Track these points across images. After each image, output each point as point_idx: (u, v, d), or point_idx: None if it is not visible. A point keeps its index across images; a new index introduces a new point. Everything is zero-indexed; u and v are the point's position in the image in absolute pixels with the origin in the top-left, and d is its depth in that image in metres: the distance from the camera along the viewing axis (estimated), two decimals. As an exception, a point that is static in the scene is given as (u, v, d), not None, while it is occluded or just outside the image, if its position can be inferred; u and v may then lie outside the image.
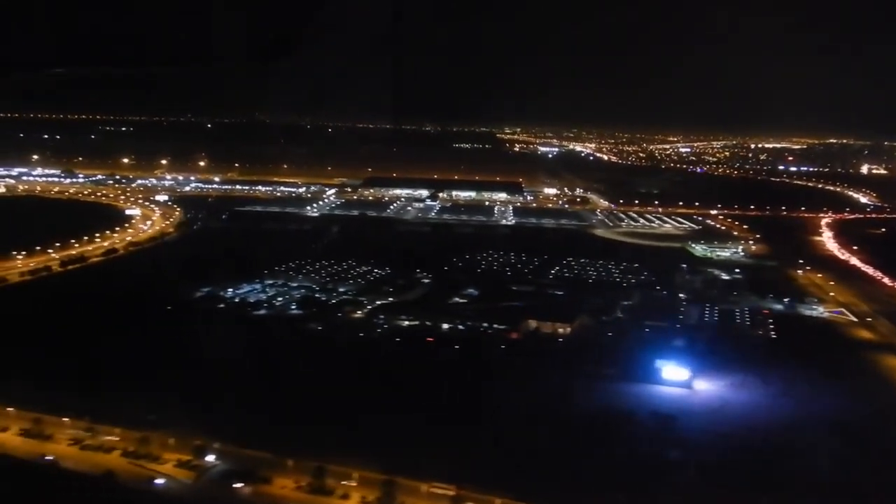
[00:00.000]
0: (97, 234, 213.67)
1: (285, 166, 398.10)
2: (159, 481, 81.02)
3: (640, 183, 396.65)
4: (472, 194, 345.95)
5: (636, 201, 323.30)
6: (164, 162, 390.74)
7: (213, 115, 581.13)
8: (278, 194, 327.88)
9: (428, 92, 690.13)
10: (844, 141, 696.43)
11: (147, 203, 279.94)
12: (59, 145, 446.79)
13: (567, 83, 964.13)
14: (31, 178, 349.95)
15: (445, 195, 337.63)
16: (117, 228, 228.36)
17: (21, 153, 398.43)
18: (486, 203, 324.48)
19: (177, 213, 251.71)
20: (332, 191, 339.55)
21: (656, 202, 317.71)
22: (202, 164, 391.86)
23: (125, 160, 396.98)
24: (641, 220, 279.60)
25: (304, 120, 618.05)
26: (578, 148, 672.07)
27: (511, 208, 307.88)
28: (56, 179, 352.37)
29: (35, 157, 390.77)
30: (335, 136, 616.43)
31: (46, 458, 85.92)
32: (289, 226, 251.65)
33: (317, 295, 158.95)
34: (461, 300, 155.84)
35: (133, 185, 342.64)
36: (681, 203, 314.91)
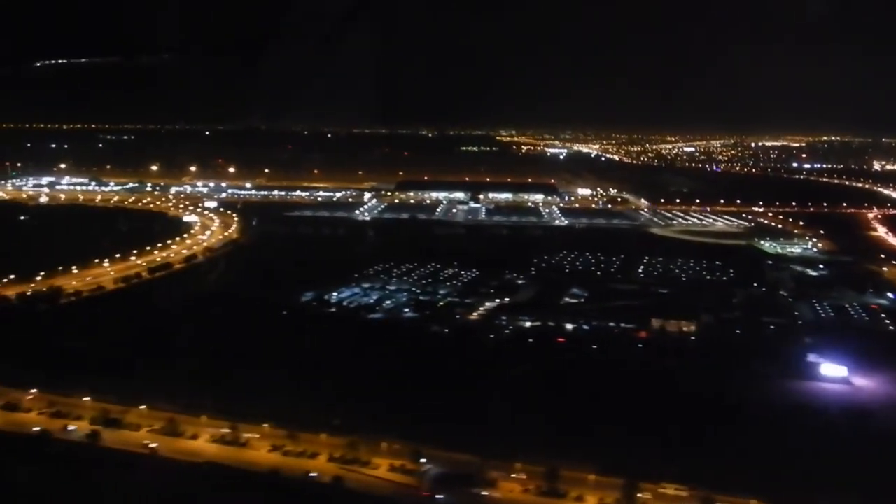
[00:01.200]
0: (168, 241, 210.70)
1: (315, 171, 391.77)
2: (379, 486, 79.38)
3: (669, 182, 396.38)
4: (509, 196, 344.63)
5: (677, 200, 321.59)
6: (192, 169, 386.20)
7: (206, 122, 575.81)
8: (319, 199, 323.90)
9: (419, 96, 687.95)
10: (842, 139, 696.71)
11: (199, 210, 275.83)
12: (72, 154, 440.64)
13: (559, 85, 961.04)
14: (63, 187, 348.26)
15: (484, 197, 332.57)
16: (185, 235, 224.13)
17: (40, 162, 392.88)
18: (529, 204, 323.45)
19: (235, 219, 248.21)
20: (368, 195, 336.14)
21: (697, 200, 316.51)
22: (231, 170, 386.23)
23: (153, 168, 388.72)
24: (690, 219, 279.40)
25: (297, 126, 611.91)
26: (584, 149, 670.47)
27: (556, 209, 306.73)
28: (89, 188, 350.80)
29: (62, 165, 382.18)
30: (337, 142, 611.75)
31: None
32: (348, 230, 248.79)
33: (422, 298, 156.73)
34: (571, 300, 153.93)
35: (168, 192, 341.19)
36: (722, 201, 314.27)
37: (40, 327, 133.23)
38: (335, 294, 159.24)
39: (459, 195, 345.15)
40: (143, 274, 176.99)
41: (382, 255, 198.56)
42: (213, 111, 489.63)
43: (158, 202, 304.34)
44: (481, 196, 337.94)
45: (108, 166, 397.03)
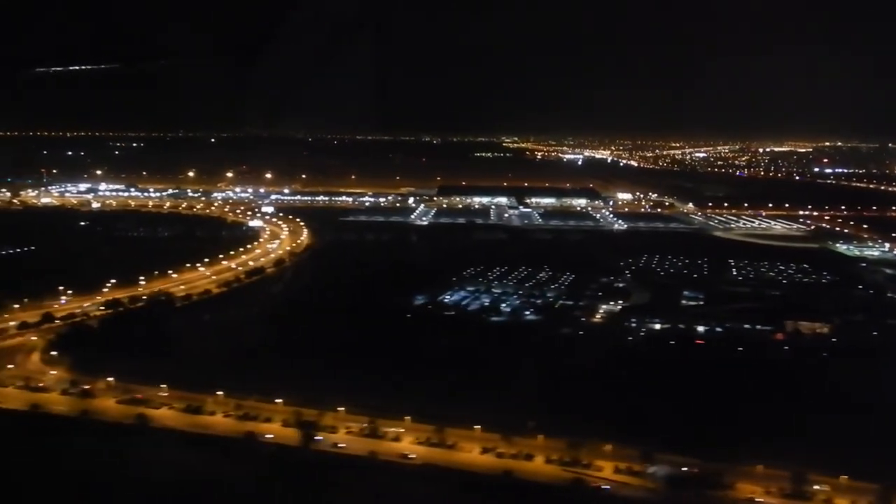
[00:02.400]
0: (247, 246, 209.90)
1: (352, 177, 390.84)
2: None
3: (704, 187, 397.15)
4: (553, 200, 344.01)
5: (725, 204, 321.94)
6: (228, 175, 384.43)
7: (219, 129, 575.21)
8: (366, 204, 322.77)
9: (420, 103, 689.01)
10: (847, 144, 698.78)
11: (258, 215, 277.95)
12: (98, 160, 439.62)
13: (558, 93, 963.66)
14: (105, 193, 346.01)
15: (528, 202, 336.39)
16: (258, 240, 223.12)
17: (67, 169, 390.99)
18: (578, 208, 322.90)
19: (300, 224, 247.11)
20: (411, 200, 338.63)
21: (745, 205, 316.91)
22: (268, 176, 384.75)
23: (188, 174, 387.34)
24: (745, 222, 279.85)
25: (302, 132, 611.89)
26: (597, 155, 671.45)
27: (607, 213, 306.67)
28: (130, 194, 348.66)
29: (97, 172, 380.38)
30: (351, 148, 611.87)
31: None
32: (413, 234, 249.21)
33: (536, 300, 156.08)
34: (689, 303, 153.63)
35: (211, 197, 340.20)
36: (770, 205, 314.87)
37: (178, 329, 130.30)
38: (447, 297, 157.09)
39: (502, 200, 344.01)
40: (241, 278, 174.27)
41: (464, 258, 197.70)
42: (218, 118, 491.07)
43: (211, 208, 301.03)
44: (528, 200, 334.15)
45: (144, 172, 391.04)
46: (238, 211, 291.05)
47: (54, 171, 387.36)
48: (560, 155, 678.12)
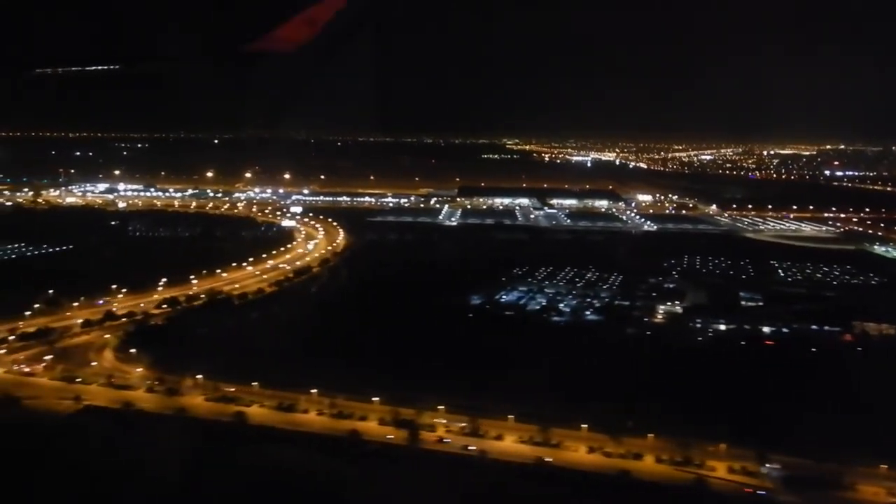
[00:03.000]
0: (287, 246, 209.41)
1: (371, 178, 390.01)
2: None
3: (723, 189, 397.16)
4: (574, 202, 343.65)
5: (749, 206, 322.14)
6: (247, 175, 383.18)
7: (204, 129, 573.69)
8: (390, 205, 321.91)
9: (418, 105, 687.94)
10: (851, 147, 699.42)
11: (288, 215, 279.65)
12: (111, 161, 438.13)
13: (557, 95, 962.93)
14: (127, 193, 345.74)
15: (550, 203, 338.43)
16: (296, 240, 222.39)
17: (83, 170, 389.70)
18: (603, 210, 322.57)
19: (333, 224, 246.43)
20: (433, 201, 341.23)
21: (769, 206, 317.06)
22: (286, 176, 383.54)
23: (206, 174, 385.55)
24: (774, 224, 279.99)
25: (303, 134, 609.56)
26: (603, 157, 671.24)
27: (633, 214, 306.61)
28: (151, 194, 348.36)
29: (116, 172, 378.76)
30: (356, 149, 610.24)
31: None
32: (445, 235, 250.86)
33: (593, 301, 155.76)
34: (749, 304, 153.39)
35: (232, 198, 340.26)
36: (794, 207, 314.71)
37: (246, 326, 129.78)
38: (503, 297, 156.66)
39: (524, 201, 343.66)
40: (290, 276, 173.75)
41: (505, 259, 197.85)
42: (219, 119, 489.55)
43: (237, 208, 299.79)
44: (550, 202, 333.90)
45: (162, 173, 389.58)
46: (266, 211, 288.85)
47: (72, 171, 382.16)
48: (567, 157, 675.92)
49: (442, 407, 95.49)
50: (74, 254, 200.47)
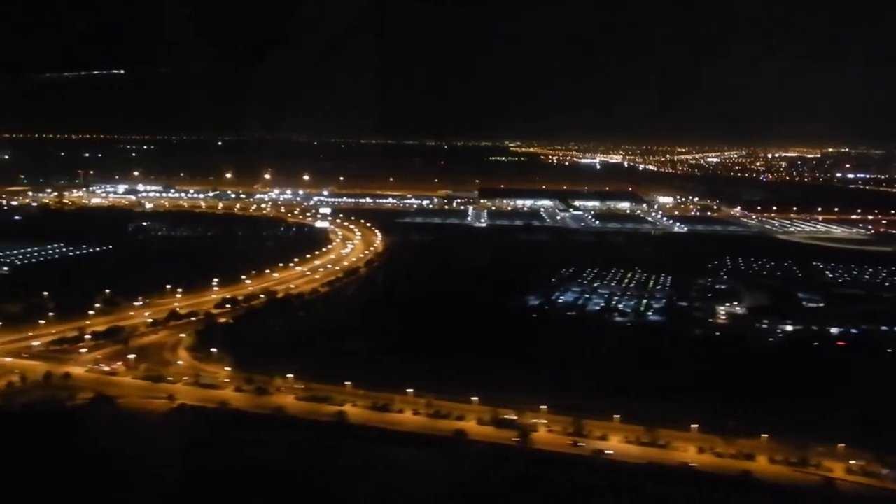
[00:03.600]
0: (327, 247, 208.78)
1: (391, 179, 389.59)
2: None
3: (740, 191, 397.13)
4: (597, 203, 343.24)
5: (774, 208, 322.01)
6: (265, 177, 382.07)
7: (202, 132, 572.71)
8: (414, 206, 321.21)
9: (419, 107, 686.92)
10: (855, 150, 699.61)
11: (318, 216, 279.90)
12: (126, 162, 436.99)
13: (557, 98, 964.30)
14: (149, 194, 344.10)
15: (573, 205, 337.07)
16: (333, 241, 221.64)
17: (97, 171, 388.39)
18: (627, 211, 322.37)
19: (366, 226, 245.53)
20: (456, 202, 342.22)
21: (793, 208, 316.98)
22: (305, 178, 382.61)
23: (225, 176, 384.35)
24: (803, 226, 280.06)
25: (302, 137, 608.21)
26: (610, 159, 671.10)
27: (659, 216, 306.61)
28: (173, 195, 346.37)
29: (135, 173, 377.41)
30: (357, 152, 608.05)
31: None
32: (478, 236, 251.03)
33: (650, 301, 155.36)
34: (811, 305, 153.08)
35: (254, 199, 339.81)
36: (819, 209, 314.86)
37: (316, 325, 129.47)
38: (559, 298, 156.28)
39: (546, 202, 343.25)
40: (340, 276, 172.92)
41: (546, 260, 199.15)
42: (220, 122, 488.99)
43: (265, 209, 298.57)
44: (574, 203, 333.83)
45: (181, 174, 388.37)
46: (294, 212, 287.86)
47: (90, 172, 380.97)
48: (574, 159, 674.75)
49: (544, 407, 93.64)
50: (115, 254, 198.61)
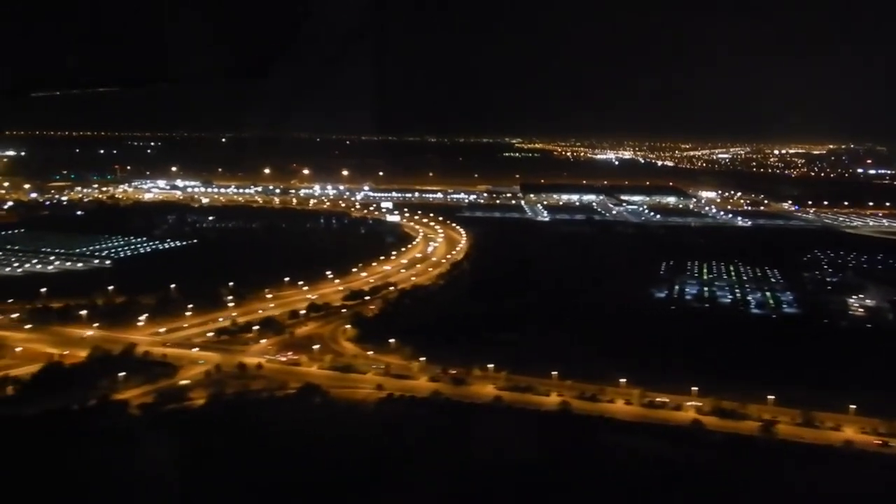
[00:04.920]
0: (411, 241, 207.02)
1: (430, 174, 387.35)
2: None
3: (776, 186, 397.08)
4: (644, 198, 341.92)
5: (825, 203, 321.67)
6: (305, 172, 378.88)
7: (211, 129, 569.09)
8: (465, 202, 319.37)
9: (420, 105, 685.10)
10: (862, 146, 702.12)
11: (381, 211, 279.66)
12: (158, 158, 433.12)
13: (556, 95, 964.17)
14: (194, 190, 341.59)
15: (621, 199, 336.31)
16: (417, 235, 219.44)
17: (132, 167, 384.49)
18: (679, 206, 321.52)
19: (437, 220, 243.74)
20: (504, 197, 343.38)
21: (845, 203, 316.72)
22: (345, 173, 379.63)
23: (264, 171, 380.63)
24: (863, 221, 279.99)
25: (306, 134, 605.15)
26: (623, 155, 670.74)
27: (714, 210, 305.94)
28: (215, 190, 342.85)
29: (172, 168, 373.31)
30: (364, 149, 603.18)
31: None
32: (551, 231, 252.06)
33: (774, 294, 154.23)
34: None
35: (300, 194, 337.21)
36: (870, 203, 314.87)
37: (464, 316, 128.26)
38: (686, 290, 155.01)
39: (591, 197, 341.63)
40: (448, 270, 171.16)
41: (637, 254, 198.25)
42: (224, 121, 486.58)
43: (323, 204, 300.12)
44: (622, 198, 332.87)
45: (220, 169, 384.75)
46: (355, 207, 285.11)
47: (128, 167, 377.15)
48: (588, 155, 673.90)
49: (771, 397, 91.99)
50: (203, 248, 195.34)
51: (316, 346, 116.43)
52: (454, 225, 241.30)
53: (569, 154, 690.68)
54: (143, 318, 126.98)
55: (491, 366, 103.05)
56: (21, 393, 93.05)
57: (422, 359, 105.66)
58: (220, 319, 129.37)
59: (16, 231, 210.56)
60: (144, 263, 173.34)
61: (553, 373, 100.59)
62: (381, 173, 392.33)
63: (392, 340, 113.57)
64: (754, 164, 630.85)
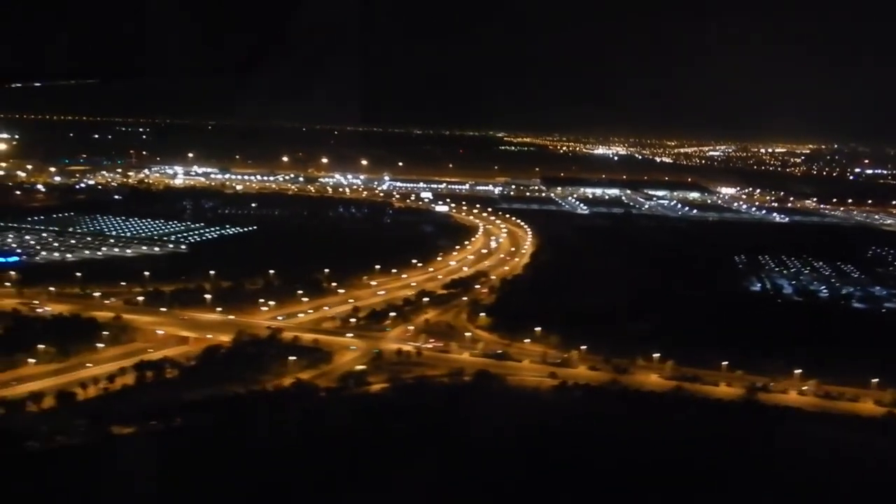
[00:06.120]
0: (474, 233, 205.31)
1: (450, 166, 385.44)
2: None
3: (789, 184, 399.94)
4: (665, 193, 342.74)
5: (848, 201, 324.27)
6: (324, 161, 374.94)
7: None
8: (495, 193, 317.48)
9: (406, 96, 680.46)
10: (847, 146, 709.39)
11: (427, 201, 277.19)
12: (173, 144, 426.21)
13: (539, 90, 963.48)
14: (217, 177, 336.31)
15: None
16: (477, 226, 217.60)
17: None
18: (707, 201, 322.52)
19: (484, 210, 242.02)
20: (526, 190, 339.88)
21: (869, 200, 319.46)
22: (364, 163, 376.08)
23: (283, 160, 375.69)
24: (892, 219, 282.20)
25: (293, 124, 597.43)
26: (622, 151, 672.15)
27: (744, 206, 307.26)
28: (235, 177, 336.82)
29: (189, 155, 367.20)
30: (361, 140, 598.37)
31: None
32: (598, 223, 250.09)
33: (866, 289, 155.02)
34: None
35: (326, 183, 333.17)
36: (894, 203, 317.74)
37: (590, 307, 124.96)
38: (778, 284, 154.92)
39: (615, 191, 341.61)
40: (531, 260, 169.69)
41: (705, 246, 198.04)
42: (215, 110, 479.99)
43: (359, 193, 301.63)
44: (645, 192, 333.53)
45: (238, 157, 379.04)
46: (396, 196, 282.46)
47: (144, 153, 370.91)
48: (586, 150, 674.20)
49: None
50: (266, 234, 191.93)
51: (447, 334, 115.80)
52: (504, 216, 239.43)
53: (563, 149, 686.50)
54: (261, 302, 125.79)
55: (657, 355, 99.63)
56: (187, 375, 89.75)
57: (582, 347, 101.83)
58: (327, 308, 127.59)
59: (65, 214, 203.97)
60: (220, 249, 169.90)
61: (723, 363, 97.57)
62: (400, 164, 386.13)
63: (538, 329, 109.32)
64: (752, 160, 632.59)
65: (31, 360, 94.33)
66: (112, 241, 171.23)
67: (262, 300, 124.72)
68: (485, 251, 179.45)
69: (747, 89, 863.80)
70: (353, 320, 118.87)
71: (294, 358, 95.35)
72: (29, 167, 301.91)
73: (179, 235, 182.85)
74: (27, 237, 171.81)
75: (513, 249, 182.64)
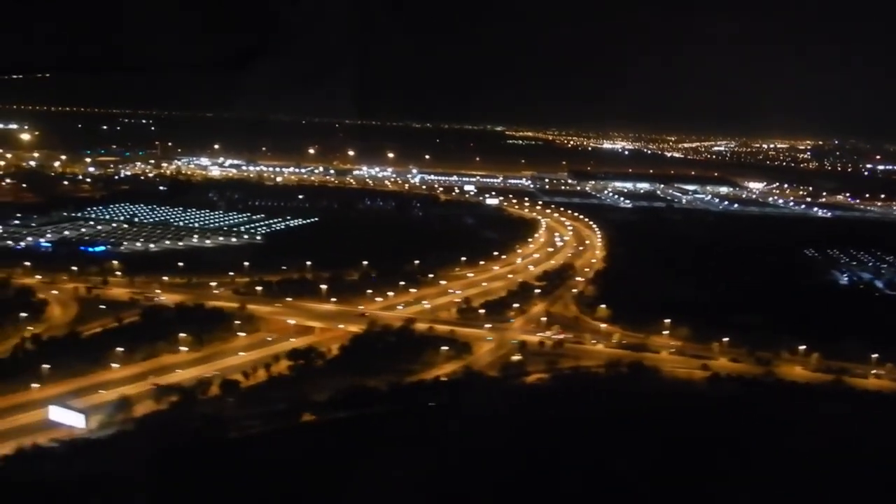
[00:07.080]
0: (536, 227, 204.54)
1: (477, 159, 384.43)
2: None
3: (810, 179, 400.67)
4: (696, 187, 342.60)
5: (882, 196, 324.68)
6: (350, 153, 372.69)
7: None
8: (531, 187, 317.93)
9: (405, 90, 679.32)
10: (849, 142, 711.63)
11: (473, 194, 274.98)
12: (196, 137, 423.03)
13: (536, 85, 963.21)
14: (248, 168, 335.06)
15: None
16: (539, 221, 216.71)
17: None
18: (743, 196, 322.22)
19: (538, 204, 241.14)
20: (562, 184, 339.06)
21: (885, 196, 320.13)
22: (391, 156, 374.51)
23: (309, 152, 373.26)
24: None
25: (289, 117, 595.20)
26: (628, 146, 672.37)
27: (782, 201, 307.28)
28: (263, 169, 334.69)
29: (215, 147, 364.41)
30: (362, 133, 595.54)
31: None
32: (649, 216, 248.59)
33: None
34: None
35: (356, 176, 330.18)
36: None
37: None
38: (871, 278, 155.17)
39: (646, 185, 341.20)
40: (607, 254, 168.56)
41: (767, 240, 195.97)
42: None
43: (404, 186, 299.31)
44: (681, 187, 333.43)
45: (264, 149, 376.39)
46: (437, 190, 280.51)
47: (169, 144, 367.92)
48: (594, 145, 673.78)
49: None
50: (329, 226, 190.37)
51: (572, 326, 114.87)
52: (554, 210, 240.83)
53: (570, 143, 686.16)
54: (369, 293, 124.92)
55: (802, 347, 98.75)
56: (339, 364, 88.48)
57: (724, 339, 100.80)
58: (424, 302, 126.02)
59: (117, 205, 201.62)
60: (294, 240, 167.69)
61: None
62: (427, 157, 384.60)
63: (666, 320, 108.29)
64: (760, 155, 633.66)
65: (181, 349, 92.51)
66: (184, 232, 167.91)
67: (369, 290, 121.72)
68: (558, 244, 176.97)
69: (744, 86, 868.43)
70: (468, 311, 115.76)
71: (445, 348, 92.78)
72: (63, 158, 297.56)
73: (247, 227, 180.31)
74: (99, 227, 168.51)
75: (587, 243, 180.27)
